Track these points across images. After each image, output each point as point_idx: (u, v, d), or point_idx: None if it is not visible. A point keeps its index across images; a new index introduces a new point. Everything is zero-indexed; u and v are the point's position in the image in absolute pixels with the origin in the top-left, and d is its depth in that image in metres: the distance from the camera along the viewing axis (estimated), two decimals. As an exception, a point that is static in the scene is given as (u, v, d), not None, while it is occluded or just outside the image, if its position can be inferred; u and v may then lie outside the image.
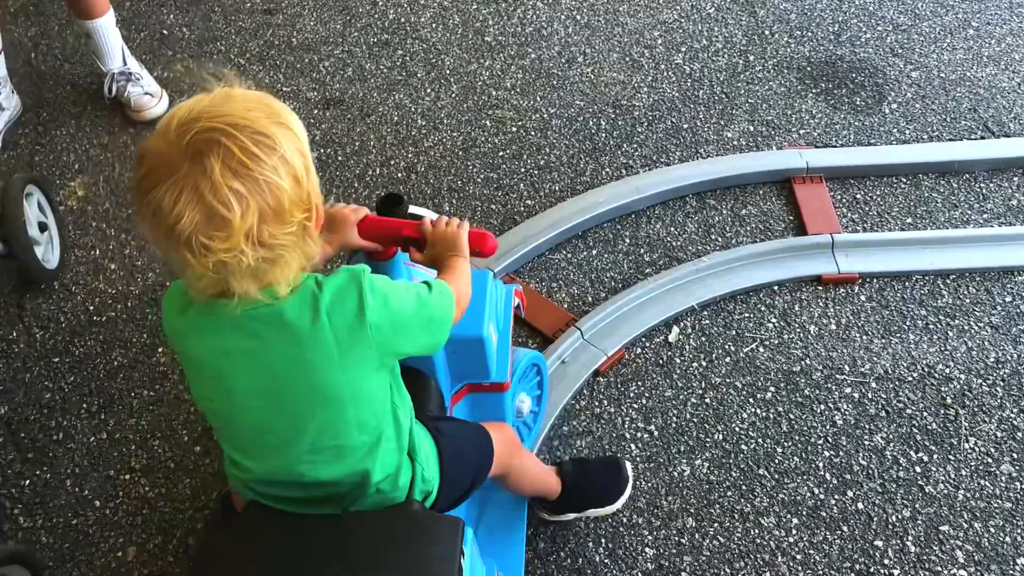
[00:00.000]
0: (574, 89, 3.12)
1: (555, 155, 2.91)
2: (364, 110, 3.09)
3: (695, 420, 2.26)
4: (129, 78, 3.07)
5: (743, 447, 2.21)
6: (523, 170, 2.87)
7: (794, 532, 2.06)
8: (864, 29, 3.28)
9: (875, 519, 2.08)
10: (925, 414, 2.25)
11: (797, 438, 2.22)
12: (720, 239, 2.64)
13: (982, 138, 2.88)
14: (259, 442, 1.39)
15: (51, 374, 2.43)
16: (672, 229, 2.68)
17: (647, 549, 2.04)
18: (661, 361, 2.38)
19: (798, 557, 2.02)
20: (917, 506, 2.09)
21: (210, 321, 1.28)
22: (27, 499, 2.20)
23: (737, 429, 2.24)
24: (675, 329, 2.44)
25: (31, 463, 2.26)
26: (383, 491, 1.46)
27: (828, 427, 2.23)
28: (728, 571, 2.01)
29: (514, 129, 3.00)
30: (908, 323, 2.43)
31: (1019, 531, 2.04)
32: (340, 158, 2.93)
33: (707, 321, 2.45)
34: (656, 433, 2.24)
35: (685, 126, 2.97)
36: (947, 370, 2.33)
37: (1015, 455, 2.17)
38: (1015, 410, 2.25)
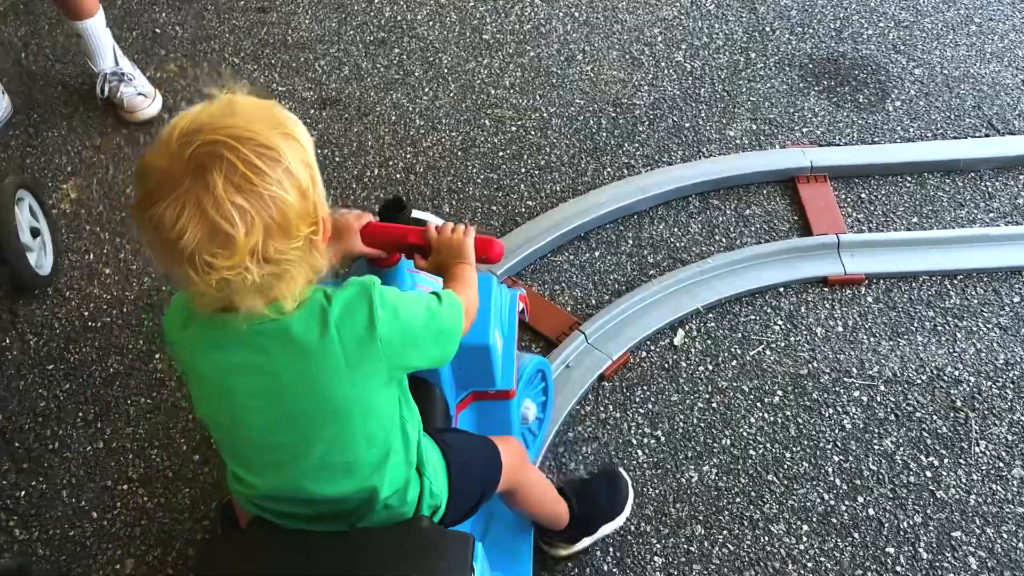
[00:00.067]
0: (574, 88, 3.08)
1: (556, 155, 2.87)
2: (361, 110, 3.04)
3: (702, 425, 2.23)
4: (121, 78, 3.01)
5: (751, 452, 2.18)
6: (523, 170, 2.83)
7: (804, 539, 2.03)
8: (866, 25, 3.24)
9: (886, 525, 2.05)
10: (935, 417, 2.22)
11: (806, 443, 2.19)
12: (724, 240, 2.61)
13: (987, 136, 2.85)
14: (265, 458, 1.35)
15: (45, 382, 2.39)
16: (675, 230, 2.64)
17: (656, 558, 2.01)
18: (667, 365, 2.34)
19: (809, 565, 1.99)
20: (928, 512, 2.07)
21: (214, 336, 1.25)
22: (23, 511, 2.16)
23: (745, 434, 2.21)
24: (680, 332, 2.40)
25: (26, 473, 2.22)
26: (391, 507, 1.43)
27: (837, 431, 2.20)
28: (738, 580, 1.98)
29: (514, 129, 2.96)
30: (916, 325, 2.40)
31: (1032, 536, 2.02)
32: (337, 159, 2.88)
33: (712, 324, 2.42)
34: (663, 439, 2.21)
35: (687, 125, 2.94)
36: (956, 372, 2.30)
37: (1026, 459, 2.15)
38: (1025, 413, 2.23)
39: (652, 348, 2.38)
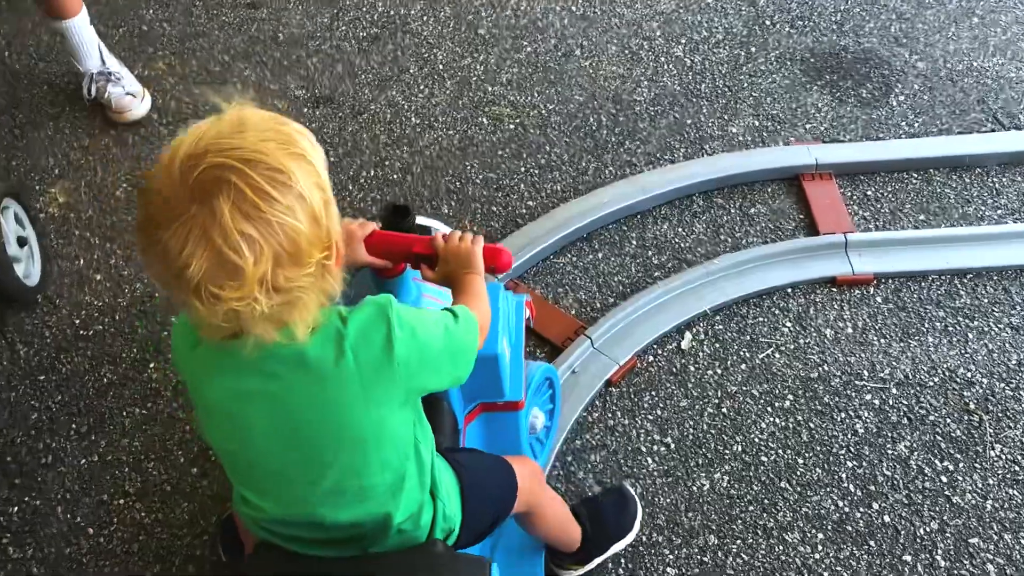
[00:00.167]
0: (572, 84, 3.02)
1: (555, 153, 2.81)
2: (355, 108, 2.98)
3: (712, 431, 2.18)
4: (109, 78, 2.93)
5: (763, 459, 2.13)
6: (523, 169, 2.77)
7: (820, 548, 1.99)
8: (867, 18, 3.20)
9: (902, 532, 2.01)
10: (948, 420, 2.19)
11: (818, 448, 2.15)
12: (730, 240, 2.56)
13: (992, 131, 2.81)
14: (276, 484, 1.30)
15: (37, 393, 2.32)
16: (680, 230, 2.59)
17: (668, 569, 1.97)
18: (675, 369, 2.30)
19: (825, 574, 1.95)
20: (945, 518, 2.03)
21: (223, 361, 1.19)
22: (16, 528, 2.09)
23: (756, 440, 2.17)
24: (687, 335, 2.36)
25: (19, 489, 2.16)
26: (405, 531, 1.38)
27: (850, 436, 2.16)
28: (754, 591, 1.94)
29: (512, 127, 2.90)
30: (926, 325, 2.36)
31: (1050, 542, 1.99)
32: (332, 159, 2.82)
33: (720, 326, 2.38)
34: (673, 446, 2.16)
35: (688, 121, 2.89)
36: (968, 374, 2.27)
37: (1042, 462, 2.12)
38: (1039, 415, 2.19)
39: (659, 352, 2.33)
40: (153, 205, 1.06)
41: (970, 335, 2.34)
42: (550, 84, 3.02)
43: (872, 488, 2.08)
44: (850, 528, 2.02)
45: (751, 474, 2.11)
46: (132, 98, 2.93)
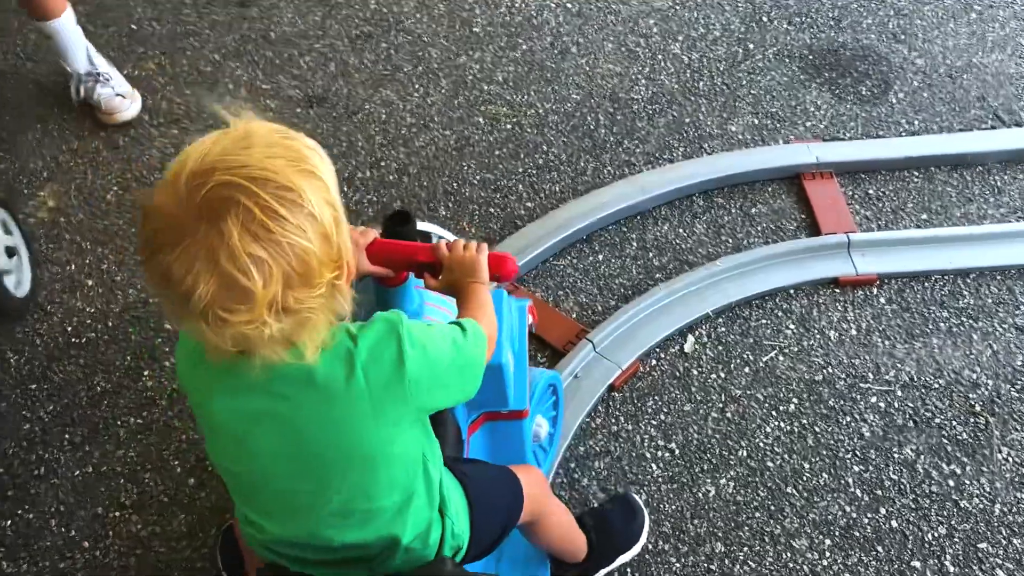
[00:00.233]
0: (569, 82, 2.99)
1: (553, 153, 2.78)
2: (350, 108, 2.93)
3: (717, 436, 2.16)
4: (97, 79, 2.88)
5: (769, 464, 2.11)
6: (521, 170, 2.74)
7: (828, 554, 1.97)
8: (865, 14, 3.17)
9: (911, 538, 1.99)
10: (954, 423, 2.17)
11: (824, 453, 2.12)
12: (731, 240, 2.54)
13: (993, 128, 2.79)
14: (283, 505, 1.26)
15: (29, 403, 2.28)
16: (680, 231, 2.56)
17: (675, 577, 1.95)
18: (678, 373, 2.27)
19: (834, 581, 1.94)
20: (953, 522, 2.01)
21: (229, 379, 1.15)
22: (9, 542, 2.05)
23: (761, 444, 2.14)
24: (690, 338, 2.33)
25: (12, 502, 2.11)
26: (413, 550, 1.35)
27: (856, 440, 2.14)
28: (762, 599, 1.92)
29: (509, 126, 2.86)
30: (931, 326, 2.34)
31: (1059, 546, 1.97)
32: (327, 160, 2.77)
33: (723, 329, 2.35)
34: (677, 451, 2.14)
35: (687, 120, 2.85)
36: (974, 375, 2.25)
37: (1049, 465, 2.10)
38: (1046, 416, 2.18)
39: (662, 356, 2.30)
40: (156, 224, 1.02)
41: (974, 336, 2.32)
42: (546, 83, 2.99)
43: (879, 493, 2.06)
44: (858, 534, 2.00)
45: (757, 480, 2.09)
46: (122, 99, 2.88)
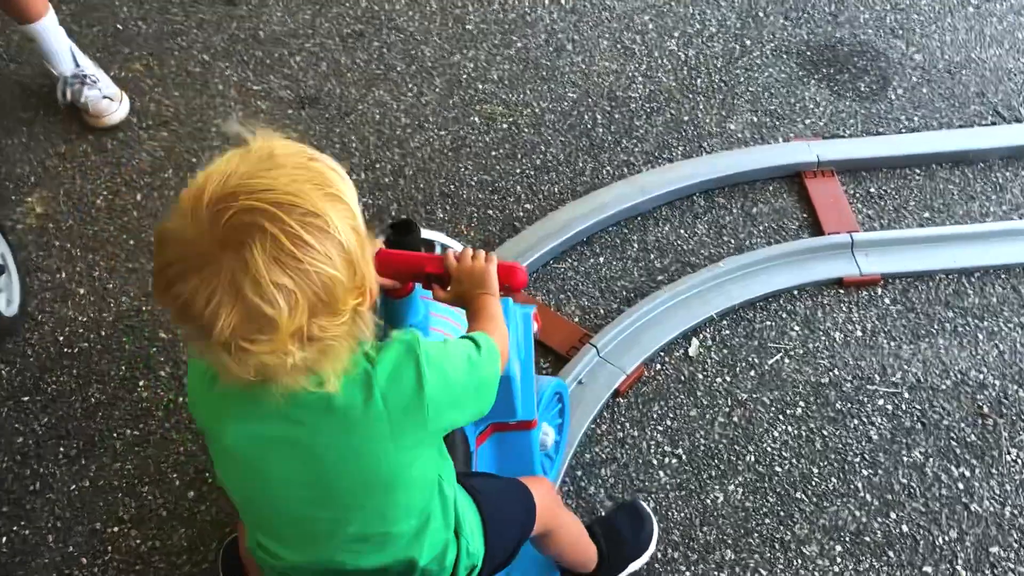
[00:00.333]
0: (565, 80, 2.95)
1: (551, 153, 2.74)
2: (343, 109, 2.89)
3: (724, 441, 2.13)
4: (84, 81, 2.82)
5: (777, 469, 2.09)
6: (519, 171, 2.70)
7: (839, 561, 1.95)
8: (862, 9, 3.14)
9: (921, 542, 1.98)
10: (962, 425, 2.15)
11: (833, 456, 2.10)
12: (733, 241, 2.51)
13: (993, 124, 2.78)
14: (297, 531, 1.23)
15: (21, 415, 2.23)
16: (682, 231, 2.54)
17: (686, 587, 1.92)
18: (683, 377, 2.24)
19: (846, 588, 1.92)
20: (964, 526, 2.00)
21: (244, 405, 1.11)
22: (5, 559, 2.01)
23: (769, 449, 2.12)
24: (695, 341, 2.30)
25: (7, 518, 2.07)
26: (430, 572, 1.32)
27: (864, 443, 2.12)
28: (774, 608, 1.90)
29: (505, 126, 2.82)
30: (936, 327, 2.32)
31: (1071, 549, 1.96)
32: (321, 163, 2.72)
33: (727, 331, 2.32)
34: (684, 457, 2.11)
35: (685, 118, 2.82)
36: (980, 376, 2.23)
37: (1058, 466, 2.08)
38: (1053, 417, 2.16)
39: (667, 360, 2.27)
40: (175, 251, 0.97)
41: (980, 335, 2.31)
42: (542, 81, 2.95)
43: (889, 497, 2.04)
44: (868, 539, 1.98)
45: (766, 485, 2.06)
46: (110, 102, 2.82)
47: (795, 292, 2.39)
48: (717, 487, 2.06)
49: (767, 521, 2.01)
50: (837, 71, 2.94)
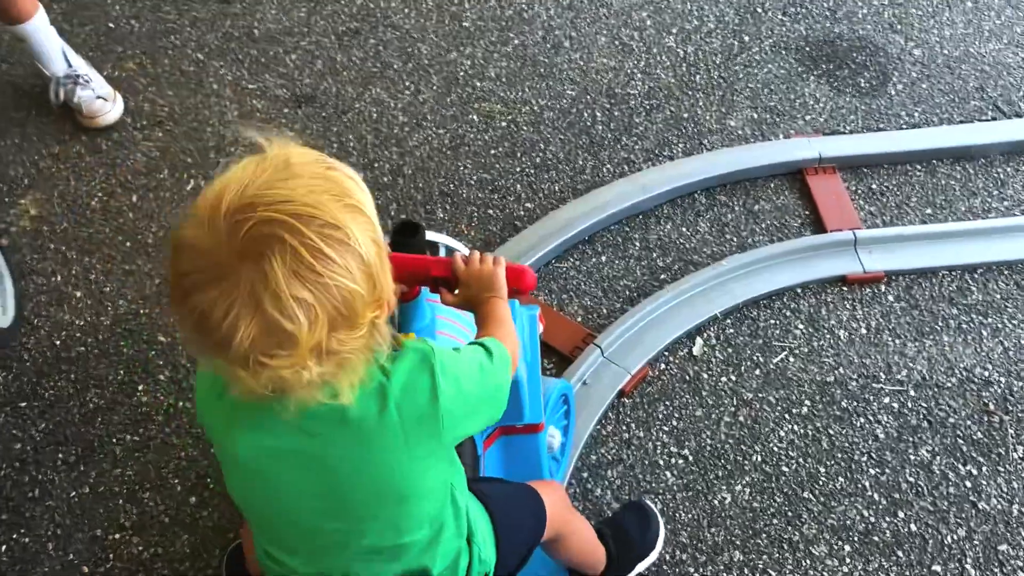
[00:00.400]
0: (563, 77, 2.93)
1: (551, 151, 2.72)
2: (339, 107, 2.86)
3: (731, 441, 2.12)
4: (76, 81, 2.78)
5: (784, 469, 2.08)
6: (518, 169, 2.68)
7: (848, 561, 1.94)
8: (859, 4, 3.13)
9: (930, 541, 1.97)
10: (968, 423, 2.14)
11: (839, 456, 2.09)
12: (735, 239, 2.49)
13: (993, 119, 2.77)
14: (309, 543, 1.21)
15: (19, 421, 2.20)
16: (684, 230, 2.52)
17: (695, 589, 1.91)
18: (688, 377, 2.23)
19: (855, 589, 1.91)
20: (972, 524, 1.99)
21: (255, 417, 1.09)
22: (5, 568, 1.98)
23: (775, 449, 2.11)
24: (699, 341, 2.29)
25: (6, 526, 2.04)
26: (442, 581, 1.30)
27: (871, 442, 2.11)
28: (784, 609, 1.89)
29: (504, 124, 2.80)
30: (940, 324, 2.31)
31: (1079, 547, 1.96)
32: (319, 162, 2.70)
33: (731, 330, 2.31)
34: (691, 458, 2.10)
35: (685, 115, 2.81)
36: (986, 373, 2.23)
37: (1065, 463, 2.08)
38: (1059, 413, 2.16)
39: (671, 359, 2.26)
40: (192, 262, 0.95)
41: (984, 332, 2.30)
42: (540, 78, 2.93)
43: (896, 496, 2.03)
44: (877, 539, 1.97)
45: (773, 485, 2.05)
46: (104, 102, 2.79)
47: (799, 290, 2.38)
48: (724, 487, 2.05)
49: (775, 521, 2.00)
50: (836, 67, 2.93)
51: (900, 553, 1.95)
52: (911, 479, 2.06)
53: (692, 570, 1.93)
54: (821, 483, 2.05)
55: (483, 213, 2.57)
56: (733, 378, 2.23)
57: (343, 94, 2.90)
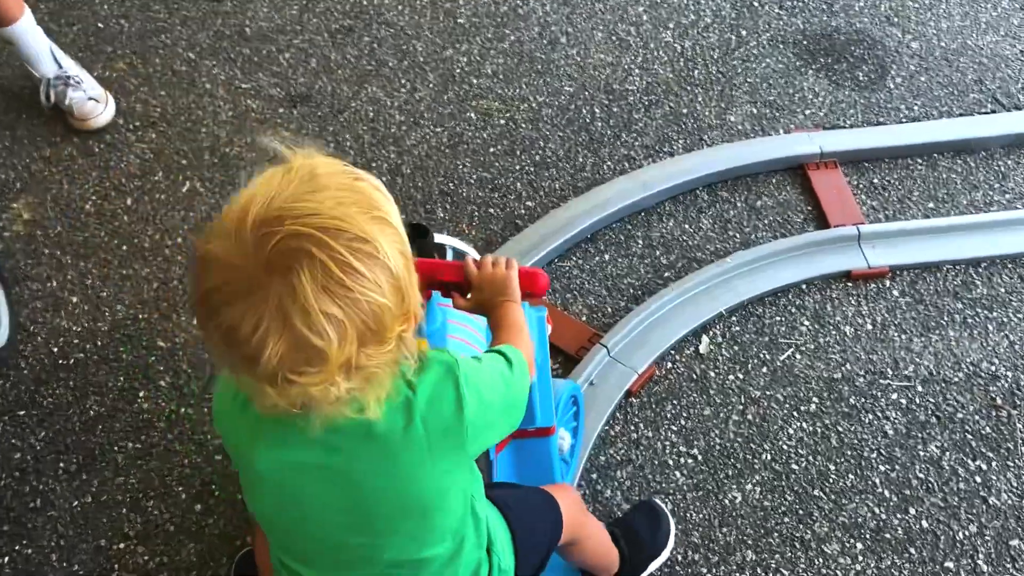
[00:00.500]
0: (561, 74, 2.90)
1: (551, 149, 2.70)
2: (335, 106, 2.83)
3: (739, 440, 2.11)
4: (67, 82, 2.73)
5: (794, 467, 2.07)
6: (518, 167, 2.66)
7: (860, 559, 1.94)
8: (856, -4, 3.13)
9: (942, 538, 1.96)
10: (977, 417, 2.14)
11: (849, 453, 2.09)
12: (738, 235, 2.48)
13: (992, 111, 2.77)
14: (331, 558, 1.19)
15: (18, 430, 2.16)
16: (686, 227, 2.51)
17: (708, 589, 1.90)
18: (695, 375, 2.22)
19: (869, 587, 1.90)
20: (983, 520, 1.99)
21: (280, 431, 1.07)
22: (8, 580, 1.95)
23: (785, 447, 2.10)
24: (705, 339, 2.28)
25: (8, 537, 2.01)
26: (462, 592, 1.28)
27: (880, 438, 2.11)
28: (798, 609, 1.88)
29: (502, 121, 2.78)
30: (946, 318, 2.31)
31: (1090, 541, 1.96)
32: (316, 162, 2.66)
33: (737, 328, 2.30)
34: (700, 457, 2.09)
35: (684, 111, 2.79)
36: (992, 368, 2.22)
37: (1074, 457, 2.08)
38: (1066, 407, 2.16)
39: (677, 358, 2.25)
40: (219, 276, 0.92)
41: (990, 326, 2.30)
42: (538, 75, 2.90)
43: (907, 492, 2.03)
44: (889, 536, 1.97)
45: (783, 484, 2.04)
46: (95, 103, 2.74)
47: (803, 286, 2.37)
48: (734, 487, 2.04)
49: (786, 520, 1.99)
50: (835, 60, 2.92)
51: (912, 550, 1.95)
52: (921, 475, 2.05)
53: (705, 570, 1.92)
54: (831, 480, 2.05)
55: (484, 212, 2.55)
56: (740, 376, 2.21)
57: (338, 93, 2.86)
